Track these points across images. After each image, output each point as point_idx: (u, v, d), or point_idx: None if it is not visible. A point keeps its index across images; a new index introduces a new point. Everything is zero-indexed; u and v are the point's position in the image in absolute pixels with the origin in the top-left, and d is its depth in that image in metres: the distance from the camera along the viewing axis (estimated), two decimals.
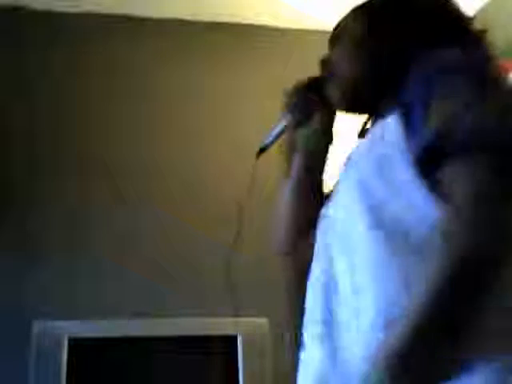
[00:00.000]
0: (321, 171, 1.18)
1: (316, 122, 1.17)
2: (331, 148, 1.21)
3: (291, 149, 1.19)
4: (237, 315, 2.11)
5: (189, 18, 2.50)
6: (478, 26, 1.07)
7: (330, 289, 0.92)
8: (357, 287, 0.87)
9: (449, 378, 0.73)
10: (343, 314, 0.88)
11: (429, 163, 0.80)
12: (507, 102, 0.80)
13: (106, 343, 1.98)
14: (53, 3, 2.37)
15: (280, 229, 1.19)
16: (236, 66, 2.54)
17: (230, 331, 2.00)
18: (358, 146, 1.00)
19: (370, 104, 1.05)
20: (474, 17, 1.07)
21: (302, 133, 1.18)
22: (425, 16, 1.02)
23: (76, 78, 2.39)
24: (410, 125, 0.85)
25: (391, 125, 0.89)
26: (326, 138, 1.19)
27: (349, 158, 1.00)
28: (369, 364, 0.75)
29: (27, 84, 2.35)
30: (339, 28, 1.11)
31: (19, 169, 2.28)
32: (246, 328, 2.02)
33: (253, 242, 2.28)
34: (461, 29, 1.02)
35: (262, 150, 1.23)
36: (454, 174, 0.78)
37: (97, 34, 2.44)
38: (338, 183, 1.01)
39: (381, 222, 0.85)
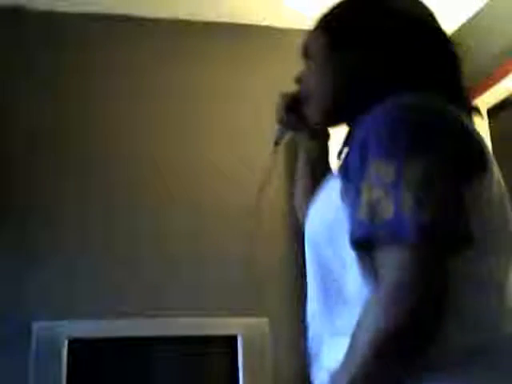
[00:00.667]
0: (325, 172, 1.20)
1: (304, 135, 1.23)
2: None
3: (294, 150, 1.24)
4: (237, 315, 2.12)
5: (188, 18, 2.50)
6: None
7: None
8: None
9: None
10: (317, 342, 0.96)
11: (360, 248, 0.84)
12: (429, 180, 0.80)
13: (106, 343, 1.97)
14: (53, 3, 2.37)
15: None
16: (236, 66, 2.54)
17: (230, 331, 2.00)
18: (317, 201, 1.01)
19: (347, 116, 1.04)
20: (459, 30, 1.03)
21: (298, 138, 1.25)
22: (389, 31, 1.00)
23: (76, 78, 2.39)
24: (347, 196, 0.87)
25: (335, 192, 0.91)
26: (321, 143, 1.23)
27: (309, 217, 1.01)
28: None
29: (27, 84, 2.35)
30: (306, 45, 1.10)
31: (19, 169, 2.28)
32: (246, 328, 2.02)
33: (253, 243, 2.29)
34: (429, 40, 1.00)
35: (276, 143, 1.27)
36: (379, 261, 0.82)
37: (97, 33, 2.44)
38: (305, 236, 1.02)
39: (326, 287, 0.92)
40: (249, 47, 2.56)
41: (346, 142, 1.03)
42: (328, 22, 1.07)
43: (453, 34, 2.25)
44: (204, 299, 2.22)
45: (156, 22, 2.49)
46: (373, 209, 0.80)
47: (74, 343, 1.93)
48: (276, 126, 1.26)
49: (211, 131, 2.45)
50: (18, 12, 2.37)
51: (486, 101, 2.25)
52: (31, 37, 2.39)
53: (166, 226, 2.30)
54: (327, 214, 0.93)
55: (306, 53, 1.10)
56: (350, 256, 0.86)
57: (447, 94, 0.94)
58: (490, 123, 2.22)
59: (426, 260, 0.78)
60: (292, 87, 1.16)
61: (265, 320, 2.04)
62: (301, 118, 1.14)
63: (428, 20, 1.02)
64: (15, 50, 2.37)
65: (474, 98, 2.07)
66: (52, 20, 2.40)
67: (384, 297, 0.78)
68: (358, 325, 0.80)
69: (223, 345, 2.03)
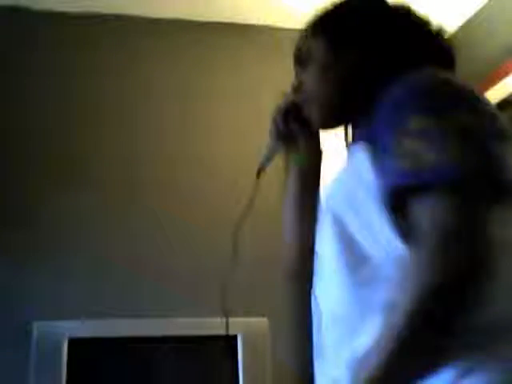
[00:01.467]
0: (316, 186, 1.19)
1: (301, 145, 1.19)
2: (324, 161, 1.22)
3: (286, 168, 1.22)
4: (237, 315, 2.11)
5: (188, 17, 2.50)
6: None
7: (319, 316, 0.98)
8: (331, 323, 0.93)
9: None
10: (326, 338, 0.95)
11: (396, 200, 0.82)
12: (467, 130, 0.81)
13: (106, 343, 1.98)
14: (53, 3, 2.37)
15: (287, 246, 1.22)
16: (235, 66, 2.54)
17: (230, 331, 2.00)
18: (335, 178, 1.00)
19: (350, 118, 1.05)
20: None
21: (292, 155, 1.22)
22: (386, 27, 1.01)
23: (76, 78, 2.39)
24: (378, 158, 0.86)
25: (360, 160, 0.90)
26: (315, 156, 1.21)
27: (329, 191, 1.00)
28: None
29: (27, 83, 2.35)
30: (302, 50, 1.10)
31: (18, 169, 2.28)
32: (246, 328, 2.02)
33: (253, 242, 2.29)
34: (425, 38, 1.02)
35: (260, 170, 1.25)
36: (418, 213, 0.80)
37: (96, 33, 2.44)
38: (322, 216, 1.01)
39: (351, 259, 0.89)
40: (249, 47, 2.55)
41: (358, 127, 1.04)
42: (325, 23, 1.07)
43: (453, 34, 2.25)
44: (204, 299, 2.22)
45: (155, 22, 2.49)
46: (415, 157, 0.80)
47: (74, 343, 1.93)
48: (268, 144, 1.22)
49: (210, 131, 2.45)
50: (18, 12, 2.37)
51: None
52: (31, 37, 2.39)
53: (165, 226, 2.30)
54: (350, 184, 0.92)
55: (303, 58, 1.09)
56: (378, 221, 0.85)
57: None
58: None
59: (470, 204, 0.77)
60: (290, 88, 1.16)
61: (265, 320, 2.04)
62: (303, 124, 1.13)
63: (417, 14, 1.04)
64: (15, 49, 2.37)
65: None
66: (52, 20, 2.40)
67: (429, 247, 0.76)
68: (398, 289, 0.77)
69: (223, 345, 2.03)
